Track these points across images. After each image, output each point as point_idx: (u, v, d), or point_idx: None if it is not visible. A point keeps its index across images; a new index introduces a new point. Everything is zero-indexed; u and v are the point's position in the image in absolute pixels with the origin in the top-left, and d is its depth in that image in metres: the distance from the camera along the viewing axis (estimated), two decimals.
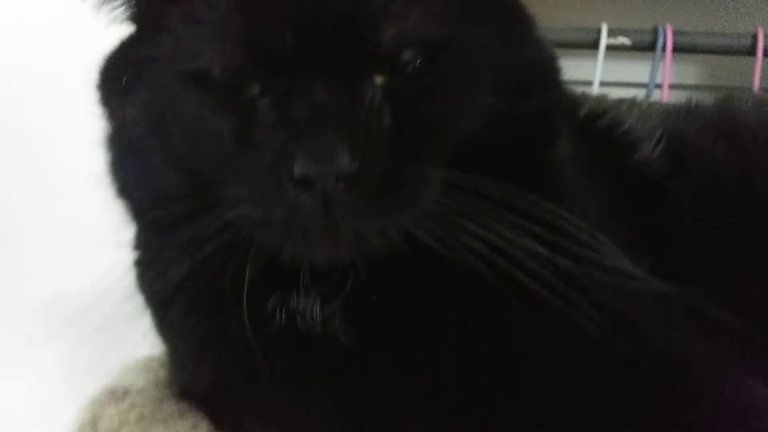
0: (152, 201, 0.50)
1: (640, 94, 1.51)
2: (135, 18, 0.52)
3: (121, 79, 0.50)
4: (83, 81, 0.53)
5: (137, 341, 0.64)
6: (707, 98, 0.77)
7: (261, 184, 0.42)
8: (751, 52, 1.43)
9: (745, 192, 0.64)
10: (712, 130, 0.68)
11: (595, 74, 1.50)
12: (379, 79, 0.44)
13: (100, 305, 0.54)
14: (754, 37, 1.42)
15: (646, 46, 1.48)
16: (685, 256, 0.58)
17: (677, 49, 1.46)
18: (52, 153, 0.97)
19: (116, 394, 0.60)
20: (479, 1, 0.49)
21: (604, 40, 1.48)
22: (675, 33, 1.45)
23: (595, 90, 1.49)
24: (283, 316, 0.48)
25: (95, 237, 0.55)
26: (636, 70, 1.56)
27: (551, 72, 0.52)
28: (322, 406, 0.48)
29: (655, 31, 1.47)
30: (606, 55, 1.48)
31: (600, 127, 0.64)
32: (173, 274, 0.48)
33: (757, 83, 1.43)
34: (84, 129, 0.57)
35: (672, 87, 1.51)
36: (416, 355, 0.48)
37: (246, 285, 0.45)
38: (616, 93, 1.64)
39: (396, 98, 0.44)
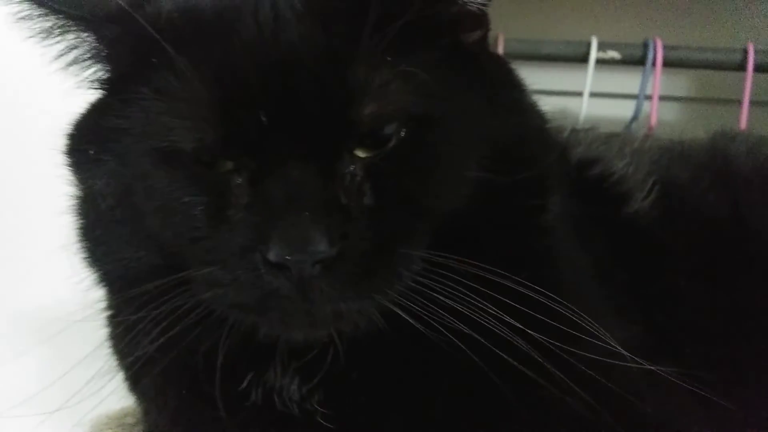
0: (122, 276, 0.48)
1: (629, 105, 1.51)
2: (104, 83, 0.49)
3: (88, 150, 0.48)
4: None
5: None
6: (700, 138, 0.75)
7: (235, 266, 0.41)
8: (741, 67, 1.42)
9: (739, 238, 0.63)
10: (706, 175, 0.67)
11: (585, 86, 1.48)
12: (360, 155, 0.42)
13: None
14: (745, 51, 1.41)
15: (635, 60, 1.47)
16: (679, 313, 0.57)
17: (667, 63, 1.45)
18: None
19: None
20: (468, 68, 0.47)
21: (594, 54, 1.46)
22: (665, 47, 1.44)
23: (585, 102, 1.48)
24: (259, 394, 0.47)
25: None
26: (626, 81, 1.55)
27: (543, 140, 0.51)
28: None
29: (645, 46, 1.45)
30: (596, 67, 1.47)
31: (592, 175, 0.62)
32: (145, 348, 0.46)
33: (746, 99, 1.42)
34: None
35: (662, 98, 1.50)
36: None
37: (219, 363, 0.44)
38: (605, 105, 1.64)
39: (378, 175, 0.42)
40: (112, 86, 0.48)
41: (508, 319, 0.42)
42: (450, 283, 0.41)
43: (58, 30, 0.46)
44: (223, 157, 0.42)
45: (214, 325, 0.44)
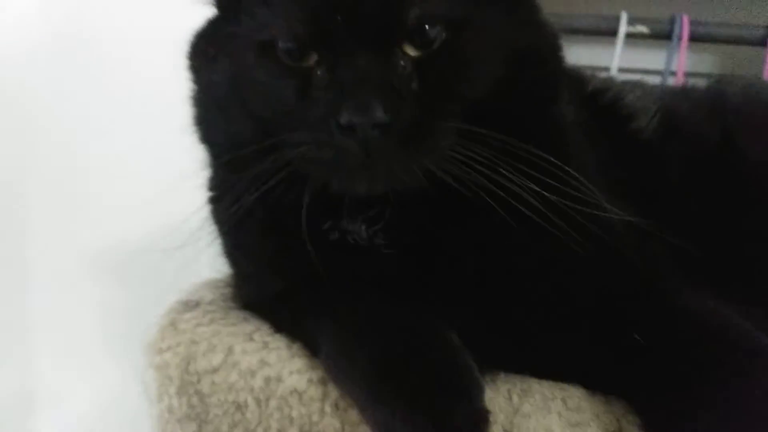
0: (229, 146, 0.62)
1: (656, 81, 1.60)
2: (218, 3, 0.65)
3: (208, 51, 0.63)
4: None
5: (204, 266, 0.77)
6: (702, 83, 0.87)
7: (315, 131, 0.54)
8: (763, 42, 1.50)
9: (726, 155, 0.75)
10: (703, 106, 0.78)
11: (613, 61, 1.58)
12: (409, 52, 0.56)
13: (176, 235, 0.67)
14: (767, 28, 1.50)
15: (663, 35, 1.56)
16: (673, 212, 0.67)
17: (693, 38, 1.53)
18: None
19: (189, 305, 0.72)
20: None
21: (623, 28, 1.56)
22: (691, 23, 1.53)
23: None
24: (336, 234, 0.61)
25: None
26: (653, 57, 1.63)
27: (552, 48, 0.63)
28: (368, 301, 0.61)
29: (672, 21, 1.55)
30: (624, 43, 1.56)
31: (603, 100, 0.75)
32: (245, 202, 0.60)
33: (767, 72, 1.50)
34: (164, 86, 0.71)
35: (687, 75, 1.58)
36: (440, 263, 0.60)
37: (304, 210, 0.58)
38: (632, 79, 1.71)
39: (423, 68, 0.56)
40: (225, 3, 0.64)
41: (520, 179, 0.54)
42: (479, 150, 0.54)
43: None
44: (309, 47, 0.56)
45: (299, 180, 0.57)
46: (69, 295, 1.18)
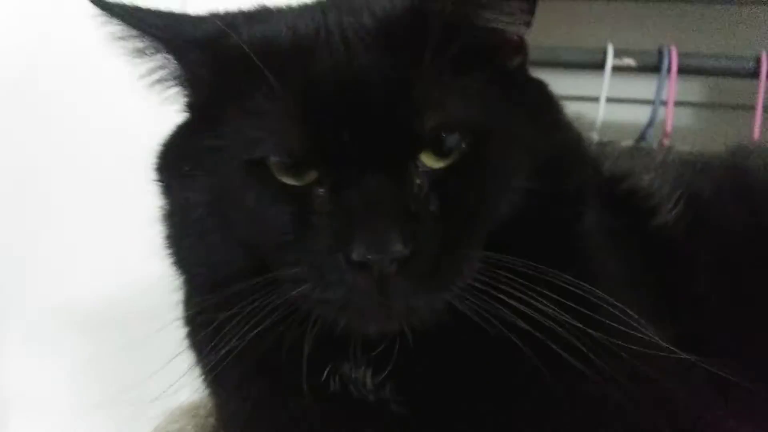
0: (212, 279, 0.53)
1: (645, 110, 1.55)
2: (192, 107, 0.55)
3: (181, 166, 0.53)
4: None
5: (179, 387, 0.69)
6: (719, 150, 0.80)
7: (320, 267, 0.46)
8: (754, 75, 1.46)
9: (756, 243, 0.68)
10: (725, 189, 0.72)
11: (601, 92, 1.53)
12: (429, 163, 0.48)
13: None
14: (758, 60, 1.45)
15: (651, 68, 1.51)
16: (703, 321, 0.61)
17: (682, 70, 1.49)
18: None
19: None
20: (513, 90, 0.53)
21: (610, 62, 1.51)
22: (680, 55, 1.48)
23: (601, 107, 1.52)
24: (337, 384, 0.53)
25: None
26: (641, 87, 1.59)
27: (580, 154, 0.57)
28: None
29: (660, 53, 1.50)
30: (613, 73, 1.52)
31: (622, 191, 0.68)
32: (234, 343, 0.51)
33: (759, 105, 1.46)
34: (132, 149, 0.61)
35: (677, 104, 1.54)
36: (462, 425, 0.52)
37: (306, 355, 0.49)
38: (621, 110, 1.67)
39: (441, 186, 0.48)
40: (199, 110, 0.55)
41: (554, 311, 0.47)
42: (505, 279, 0.47)
43: (149, 51, 0.53)
44: (308, 166, 0.48)
45: (299, 321, 0.49)
46: (42, 348, 1.10)
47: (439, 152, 0.48)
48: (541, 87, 0.57)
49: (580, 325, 0.47)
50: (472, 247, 0.48)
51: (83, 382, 1.13)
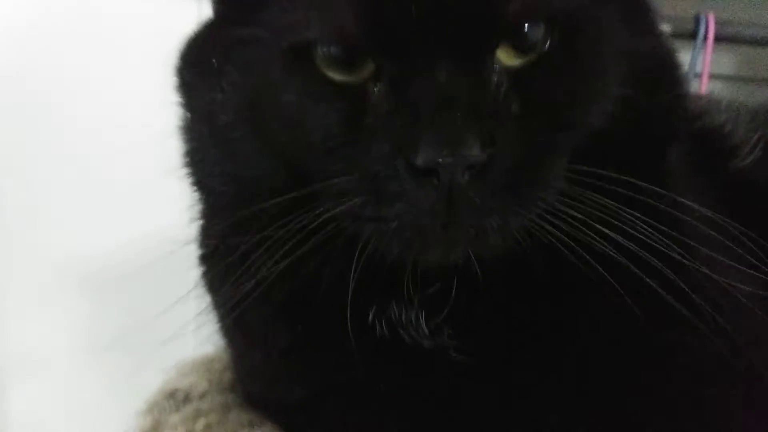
0: (239, 195, 0.45)
1: None
2: None
3: (208, 62, 0.45)
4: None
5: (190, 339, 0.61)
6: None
7: (374, 176, 0.38)
8: None
9: None
10: None
11: None
12: (506, 62, 0.40)
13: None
14: None
15: (687, 35, 1.44)
16: None
17: (718, 38, 1.42)
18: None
19: (177, 398, 0.56)
20: None
21: None
22: (717, 22, 1.41)
23: None
24: (385, 327, 0.45)
25: None
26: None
27: (675, 68, 0.49)
28: (431, 430, 0.45)
29: (696, 20, 1.43)
30: None
31: (699, 130, 0.60)
32: (265, 275, 0.43)
33: None
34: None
35: (710, 77, 1.47)
36: (535, 378, 0.44)
37: (352, 289, 0.41)
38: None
39: (525, 84, 0.40)
40: None
41: (654, 240, 0.40)
42: (595, 201, 0.39)
43: None
44: (363, 56, 0.39)
45: (342, 247, 0.41)
46: (45, 307, 1.11)
47: (522, 45, 0.40)
48: None
49: (684, 259, 0.40)
50: (558, 159, 0.40)
51: (86, 339, 1.09)
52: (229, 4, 0.47)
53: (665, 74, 0.47)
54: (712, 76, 1.51)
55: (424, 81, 0.38)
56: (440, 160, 0.35)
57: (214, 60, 0.45)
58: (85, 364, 1.12)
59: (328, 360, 0.46)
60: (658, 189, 0.41)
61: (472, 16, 0.38)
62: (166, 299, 0.52)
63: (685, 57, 1.46)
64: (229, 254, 0.46)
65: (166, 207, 0.54)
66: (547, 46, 0.41)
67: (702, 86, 1.46)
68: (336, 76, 0.40)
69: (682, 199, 0.45)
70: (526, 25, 0.40)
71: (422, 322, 0.44)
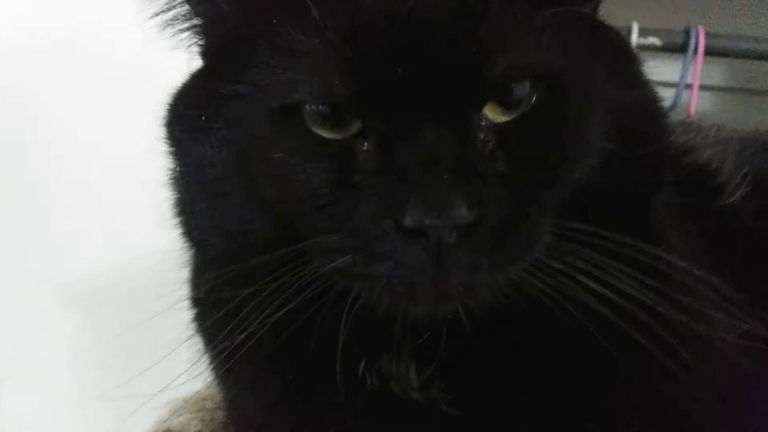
0: (229, 250, 0.46)
1: (668, 93, 1.49)
2: (208, 51, 0.48)
3: (197, 117, 0.45)
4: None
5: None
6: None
7: (364, 235, 0.39)
8: None
9: None
10: None
11: None
12: (493, 118, 0.41)
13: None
14: None
15: (676, 48, 1.45)
16: None
17: (708, 51, 1.43)
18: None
19: None
20: (591, 36, 0.46)
21: (634, 40, 1.44)
22: (707, 35, 1.42)
23: None
24: (375, 379, 0.45)
25: None
26: (665, 69, 1.52)
27: (661, 118, 0.50)
28: None
29: (686, 33, 1.43)
30: (636, 52, 1.44)
31: (686, 166, 0.61)
32: (255, 328, 0.43)
33: None
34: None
35: (700, 88, 1.48)
36: (524, 429, 0.44)
37: (342, 342, 0.42)
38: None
39: (510, 141, 0.41)
40: (218, 52, 0.47)
41: (639, 293, 0.40)
42: (581, 255, 0.40)
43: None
44: (352, 115, 0.40)
45: (333, 303, 0.42)
46: (39, 324, 1.10)
47: (507, 103, 0.41)
48: (619, 36, 0.50)
49: (669, 312, 0.40)
50: (544, 215, 0.41)
51: (82, 365, 1.08)
52: (218, 60, 0.47)
53: (650, 126, 0.48)
54: (703, 88, 1.52)
55: (410, 141, 0.38)
56: (428, 222, 0.36)
57: (202, 116, 0.45)
58: (80, 396, 1.11)
59: (319, 411, 0.46)
60: (641, 244, 0.42)
61: (459, 77, 0.39)
62: (158, 319, 0.53)
63: (675, 69, 1.47)
64: (221, 307, 0.46)
65: (162, 225, 0.55)
66: (533, 101, 0.41)
67: (692, 99, 1.47)
68: (324, 134, 0.41)
69: (666, 255, 0.45)
70: (512, 83, 0.41)
71: (412, 374, 0.45)
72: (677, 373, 0.42)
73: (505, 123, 0.41)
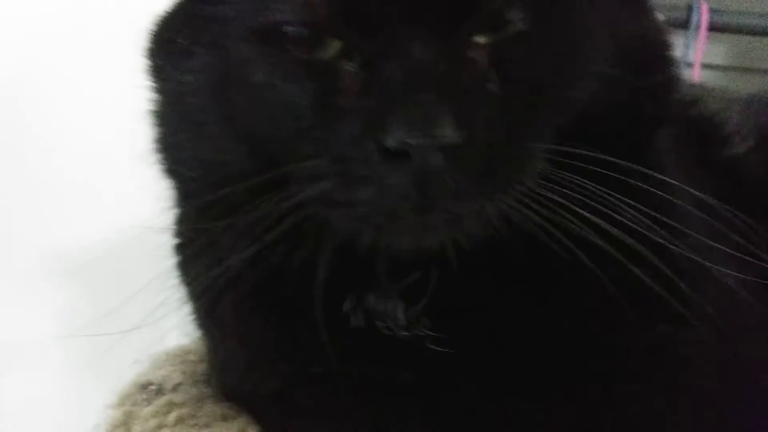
0: (209, 180, 0.43)
1: None
2: None
3: (177, 43, 0.43)
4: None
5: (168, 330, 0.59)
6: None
7: (344, 159, 0.36)
8: None
9: None
10: None
11: None
12: (483, 39, 0.39)
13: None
14: None
15: (680, 23, 1.42)
16: None
17: (711, 27, 1.41)
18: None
19: (150, 391, 0.54)
20: None
21: None
22: (710, 11, 1.40)
23: None
24: (360, 317, 0.43)
25: None
26: None
27: (667, 49, 0.47)
28: (407, 422, 0.43)
29: (689, 8, 1.41)
30: None
31: (692, 116, 0.59)
32: (233, 262, 0.42)
33: None
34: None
35: (702, 66, 1.46)
36: (515, 368, 0.43)
37: (319, 279, 0.40)
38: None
39: (502, 61, 0.39)
40: None
41: (641, 225, 0.38)
42: (578, 184, 0.38)
43: None
44: (334, 36, 0.38)
45: (312, 233, 0.39)
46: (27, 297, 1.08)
47: (498, 20, 0.38)
48: None
49: (674, 246, 0.38)
50: (539, 139, 0.38)
51: (68, 330, 1.07)
52: None
53: (656, 55, 0.46)
54: (705, 66, 1.50)
55: (396, 59, 0.36)
56: (412, 141, 0.33)
57: (183, 39, 0.43)
58: (60, 356, 1.11)
59: (302, 351, 0.44)
60: (643, 168, 0.40)
61: None
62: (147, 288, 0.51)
63: (677, 46, 1.45)
64: (199, 240, 0.44)
65: (150, 194, 0.53)
66: (524, 20, 0.39)
67: (694, 75, 1.45)
68: (306, 54, 0.39)
69: (670, 180, 0.43)
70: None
71: (399, 312, 0.43)
72: (680, 313, 0.40)
73: (498, 42, 0.39)
